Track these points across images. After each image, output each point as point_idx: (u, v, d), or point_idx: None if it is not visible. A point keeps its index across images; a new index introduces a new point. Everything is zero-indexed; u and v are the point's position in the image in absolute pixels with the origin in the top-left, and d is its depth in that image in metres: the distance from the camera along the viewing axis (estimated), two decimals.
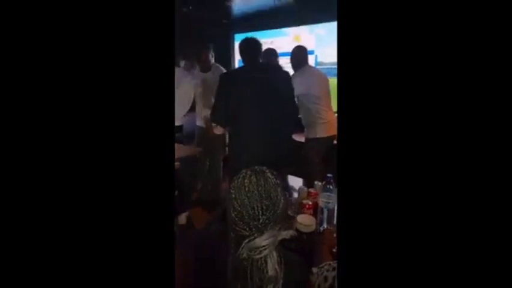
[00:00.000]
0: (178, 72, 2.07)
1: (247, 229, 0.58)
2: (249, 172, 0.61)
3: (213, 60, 2.10)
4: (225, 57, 3.43)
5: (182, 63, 2.09)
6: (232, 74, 1.64)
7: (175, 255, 0.49)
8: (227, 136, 2.12)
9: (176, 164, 1.40)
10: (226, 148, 2.09)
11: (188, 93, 2.07)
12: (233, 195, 0.59)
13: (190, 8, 2.53)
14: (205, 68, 2.07)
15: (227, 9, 2.76)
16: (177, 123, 2.09)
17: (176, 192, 1.43)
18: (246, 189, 0.59)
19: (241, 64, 1.57)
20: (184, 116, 2.15)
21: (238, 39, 3.40)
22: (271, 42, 2.97)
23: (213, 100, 1.69)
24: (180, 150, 1.62)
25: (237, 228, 0.58)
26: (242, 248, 0.56)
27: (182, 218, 1.92)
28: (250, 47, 1.50)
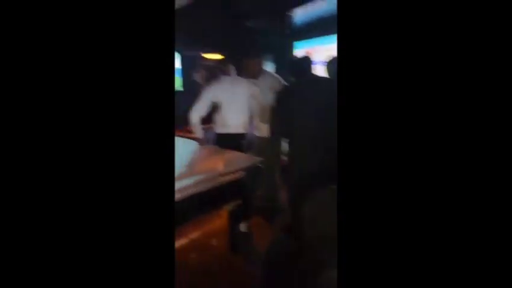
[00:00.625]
0: (231, 79, 2.09)
1: (327, 254, 0.54)
2: (327, 191, 0.58)
3: (263, 68, 2.11)
4: (285, 64, 3.46)
5: (233, 71, 2.14)
6: (288, 88, 1.71)
7: (236, 264, 0.49)
8: (283, 145, 2.13)
9: (241, 173, 1.43)
10: (282, 157, 2.10)
11: (245, 102, 2.09)
12: (312, 216, 0.56)
13: (253, 21, 2.62)
14: (254, 76, 2.07)
15: (287, 19, 2.78)
16: (239, 131, 2.14)
17: (240, 201, 1.47)
18: (327, 209, 0.55)
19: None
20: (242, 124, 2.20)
21: (297, 47, 3.39)
22: (330, 49, 2.89)
23: (267, 108, 1.81)
24: (244, 160, 1.66)
25: (315, 253, 0.55)
26: (321, 277, 0.53)
27: (243, 226, 1.96)
28: (303, 64, 1.59)
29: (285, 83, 1.97)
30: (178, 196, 1.17)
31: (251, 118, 2.15)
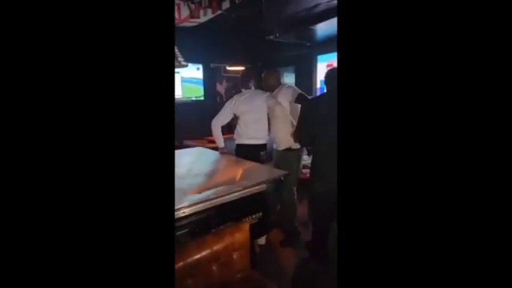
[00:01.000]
0: (250, 92, 2.14)
1: None
2: None
3: (281, 81, 2.14)
4: (308, 77, 3.47)
5: (251, 84, 2.17)
6: (316, 100, 1.75)
7: (255, 279, 0.48)
8: (301, 158, 2.10)
9: (263, 186, 1.42)
10: (298, 171, 2.08)
11: (263, 114, 2.12)
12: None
13: (277, 35, 2.67)
14: (271, 88, 2.10)
15: (311, 33, 2.80)
16: (257, 142, 2.16)
17: (260, 214, 1.45)
18: None
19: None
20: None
21: (321, 60, 3.39)
22: None
23: (285, 120, 1.89)
24: (267, 172, 1.65)
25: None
26: None
27: (262, 239, 1.93)
28: (334, 77, 1.58)
29: (306, 96, 1.96)
30: (199, 206, 1.18)
31: (269, 130, 2.17)
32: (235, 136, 2.21)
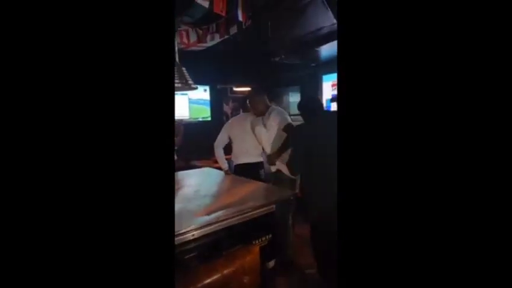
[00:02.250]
0: (240, 116, 2.30)
1: None
2: None
3: (268, 104, 2.17)
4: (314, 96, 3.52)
5: (241, 108, 2.27)
6: (303, 128, 1.75)
7: None
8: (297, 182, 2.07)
9: (272, 207, 1.40)
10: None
11: (252, 137, 2.21)
12: None
13: (283, 57, 2.74)
14: (258, 112, 2.14)
15: (316, 54, 2.87)
16: (257, 160, 2.24)
17: (270, 236, 1.42)
18: None
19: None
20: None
21: (326, 79, 3.45)
22: None
23: (275, 143, 1.96)
24: (276, 193, 1.63)
25: None
26: None
27: (271, 262, 1.88)
28: (312, 105, 1.74)
29: (290, 120, 2.04)
30: (208, 228, 1.16)
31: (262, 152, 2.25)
32: (232, 158, 2.29)
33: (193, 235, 1.11)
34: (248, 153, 2.20)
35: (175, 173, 2.30)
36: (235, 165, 2.28)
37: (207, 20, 2.41)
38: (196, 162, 3.10)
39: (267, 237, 1.39)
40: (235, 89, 4.00)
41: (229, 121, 2.33)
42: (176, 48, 1.42)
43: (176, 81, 1.38)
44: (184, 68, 1.47)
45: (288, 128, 1.97)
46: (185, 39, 2.51)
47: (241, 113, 2.30)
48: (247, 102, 2.23)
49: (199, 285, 1.01)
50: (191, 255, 1.18)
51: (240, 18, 1.83)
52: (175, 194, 1.69)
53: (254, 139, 2.19)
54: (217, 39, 2.70)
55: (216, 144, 2.24)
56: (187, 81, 1.43)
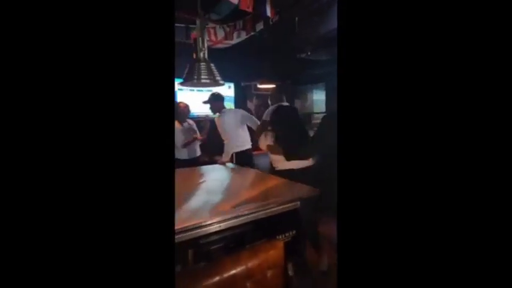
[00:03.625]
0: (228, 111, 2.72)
1: None
2: None
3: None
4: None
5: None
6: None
7: None
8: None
9: (297, 203, 1.40)
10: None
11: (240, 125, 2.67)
12: None
13: (309, 53, 2.71)
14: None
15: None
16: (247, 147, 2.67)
17: (294, 232, 1.42)
18: None
19: None
20: None
21: None
22: None
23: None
24: (300, 189, 1.62)
25: None
26: None
27: (291, 269, 1.87)
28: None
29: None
30: (232, 221, 1.19)
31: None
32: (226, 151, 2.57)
33: (219, 226, 1.14)
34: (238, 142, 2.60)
35: (200, 167, 2.36)
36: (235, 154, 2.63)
37: (233, 17, 2.43)
38: (219, 158, 3.16)
39: (291, 233, 1.39)
40: (259, 86, 4.01)
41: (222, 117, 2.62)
42: (206, 45, 1.45)
43: (205, 77, 1.41)
44: (212, 64, 1.50)
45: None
46: (213, 36, 2.56)
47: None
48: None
49: (225, 275, 1.03)
50: (216, 246, 1.21)
51: (269, 13, 1.83)
52: (200, 187, 1.74)
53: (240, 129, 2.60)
54: (243, 36, 2.72)
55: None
56: (215, 77, 1.46)
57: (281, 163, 1.94)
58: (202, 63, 1.45)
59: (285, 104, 2.30)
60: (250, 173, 2.07)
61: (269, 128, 1.97)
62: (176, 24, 2.72)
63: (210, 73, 1.46)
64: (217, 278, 0.98)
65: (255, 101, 4.35)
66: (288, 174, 1.80)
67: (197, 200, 1.49)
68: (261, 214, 1.26)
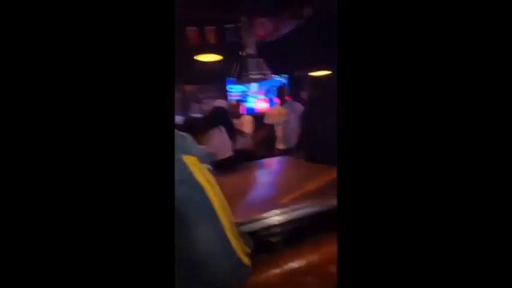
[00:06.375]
0: None
1: None
2: None
3: None
4: None
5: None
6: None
7: None
8: None
9: None
10: None
11: None
12: None
13: None
14: None
15: None
16: None
17: None
18: None
19: None
20: None
21: None
22: None
23: None
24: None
25: None
26: None
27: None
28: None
29: None
30: (292, 214, 1.18)
31: None
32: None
33: (279, 219, 1.15)
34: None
35: (260, 160, 2.42)
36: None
37: (280, 8, 2.39)
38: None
39: None
40: (312, 74, 3.88)
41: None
42: (253, 41, 1.47)
43: (254, 72, 1.43)
44: (261, 59, 1.50)
45: None
46: (262, 30, 2.56)
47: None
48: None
49: (285, 267, 1.04)
50: (276, 238, 1.22)
51: None
52: (258, 180, 1.78)
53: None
54: (291, 26, 2.65)
55: None
56: (264, 71, 1.47)
57: None
58: (250, 59, 1.47)
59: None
60: (306, 166, 2.03)
61: None
62: (226, 26, 2.82)
63: (259, 68, 1.47)
64: (277, 270, 0.99)
65: (309, 89, 4.22)
66: None
67: (257, 192, 1.53)
68: (322, 207, 1.23)
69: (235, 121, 2.95)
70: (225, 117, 2.11)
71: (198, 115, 4.02)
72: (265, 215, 1.12)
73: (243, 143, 2.97)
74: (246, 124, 3.00)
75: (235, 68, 1.47)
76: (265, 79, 1.52)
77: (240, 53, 1.46)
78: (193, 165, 0.58)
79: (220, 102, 2.12)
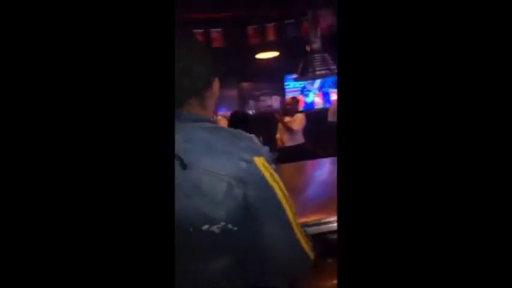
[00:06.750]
0: None
1: None
2: None
3: None
4: None
5: None
6: None
7: None
8: None
9: None
10: None
11: None
12: None
13: None
14: None
15: None
16: None
17: None
18: None
19: None
20: None
21: None
22: None
23: None
24: None
25: None
26: None
27: None
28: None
29: None
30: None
31: None
32: None
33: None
34: None
35: (320, 160, 2.35)
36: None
37: None
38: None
39: None
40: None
41: None
42: (319, 35, 1.41)
43: (320, 68, 1.38)
44: (326, 54, 1.44)
45: None
46: (324, 23, 2.47)
47: None
48: None
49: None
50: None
51: None
52: (315, 182, 1.72)
53: None
54: None
55: None
56: (330, 67, 1.40)
57: None
58: (316, 55, 1.42)
59: None
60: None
61: None
62: (286, 21, 2.78)
63: (325, 64, 1.41)
64: (334, 281, 0.93)
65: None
66: None
67: (322, 194, 1.48)
68: None
69: (286, 119, 2.92)
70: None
71: (251, 111, 4.10)
72: (331, 218, 1.06)
73: (292, 139, 2.93)
74: (296, 121, 2.91)
75: (300, 66, 1.44)
76: (330, 75, 1.45)
77: (307, 48, 1.42)
78: (262, 166, 0.57)
79: (275, 99, 2.10)
